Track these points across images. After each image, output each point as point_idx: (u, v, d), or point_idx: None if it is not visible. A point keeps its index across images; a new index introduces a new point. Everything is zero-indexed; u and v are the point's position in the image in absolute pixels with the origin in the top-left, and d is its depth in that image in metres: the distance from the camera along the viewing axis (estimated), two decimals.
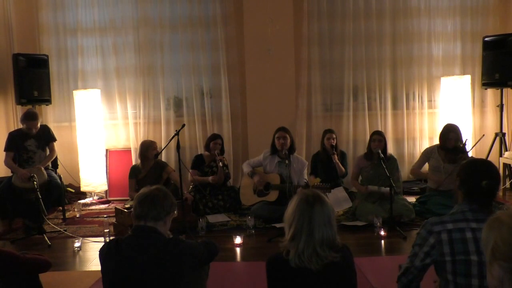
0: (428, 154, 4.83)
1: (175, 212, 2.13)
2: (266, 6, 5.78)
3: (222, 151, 5.28)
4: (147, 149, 4.93)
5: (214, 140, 5.21)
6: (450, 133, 4.62)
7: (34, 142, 4.95)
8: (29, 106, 5.74)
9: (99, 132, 6.03)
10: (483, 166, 1.96)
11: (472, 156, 4.59)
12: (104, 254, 2.00)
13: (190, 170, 5.20)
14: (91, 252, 4.00)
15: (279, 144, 4.78)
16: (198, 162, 5.27)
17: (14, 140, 4.92)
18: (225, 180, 5.30)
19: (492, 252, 1.07)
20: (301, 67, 6.04)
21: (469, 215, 1.86)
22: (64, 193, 5.39)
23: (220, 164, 5.07)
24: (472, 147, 4.50)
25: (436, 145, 4.80)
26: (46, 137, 5.06)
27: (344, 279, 1.87)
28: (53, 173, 5.09)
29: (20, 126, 4.96)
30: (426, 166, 5.08)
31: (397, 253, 3.73)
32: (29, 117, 4.86)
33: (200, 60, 6.15)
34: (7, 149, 4.90)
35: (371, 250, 3.81)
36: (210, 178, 5.08)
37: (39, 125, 4.96)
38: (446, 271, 1.82)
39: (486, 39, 5.63)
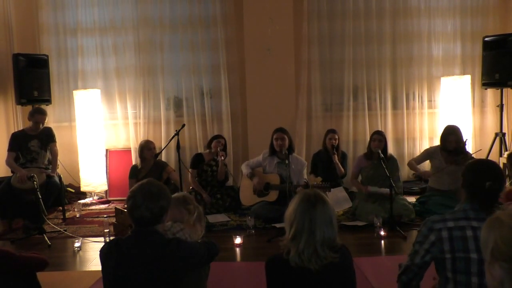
0: (430, 153, 4.84)
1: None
2: (266, 6, 5.78)
3: (225, 151, 5.26)
4: (142, 149, 5.03)
5: (217, 139, 5.22)
6: (450, 136, 4.62)
7: (37, 143, 4.97)
8: (29, 106, 5.75)
9: (99, 132, 6.03)
10: (488, 167, 1.97)
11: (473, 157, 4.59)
12: (104, 254, 2.00)
13: (190, 170, 5.20)
14: (91, 252, 4.00)
15: (277, 145, 4.77)
16: (198, 161, 5.25)
17: (17, 141, 4.94)
18: (224, 179, 5.29)
19: (492, 252, 1.06)
20: (301, 67, 6.03)
21: (471, 214, 1.88)
22: (64, 193, 5.39)
23: (222, 158, 5.04)
24: (471, 157, 4.51)
25: (439, 146, 4.80)
26: (48, 138, 5.08)
27: (343, 279, 1.87)
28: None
29: (21, 127, 4.98)
30: (425, 165, 5.09)
31: (397, 253, 3.73)
32: (38, 111, 4.97)
33: (200, 60, 6.15)
34: (10, 149, 4.92)
35: (371, 250, 3.80)
36: (204, 196, 5.01)
37: (45, 122, 5.03)
38: (446, 268, 1.84)
39: (486, 39, 5.63)
